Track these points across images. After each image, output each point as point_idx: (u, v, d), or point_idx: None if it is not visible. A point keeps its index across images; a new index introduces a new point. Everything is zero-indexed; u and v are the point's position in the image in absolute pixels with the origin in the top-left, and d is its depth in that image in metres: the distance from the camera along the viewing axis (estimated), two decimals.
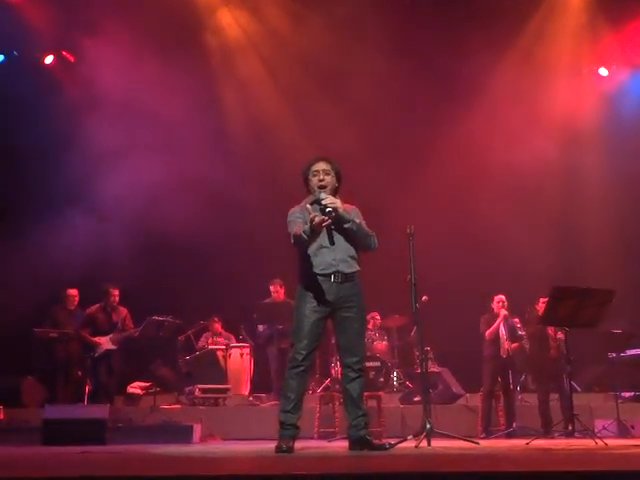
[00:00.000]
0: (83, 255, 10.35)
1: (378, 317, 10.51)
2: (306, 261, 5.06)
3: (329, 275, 5.00)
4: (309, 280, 5.04)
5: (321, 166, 5.13)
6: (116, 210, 10.64)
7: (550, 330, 8.47)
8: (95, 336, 9.15)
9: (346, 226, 4.99)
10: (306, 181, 5.19)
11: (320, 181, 5.09)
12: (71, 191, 10.83)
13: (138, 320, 9.19)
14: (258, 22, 11.49)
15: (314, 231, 4.78)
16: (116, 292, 9.29)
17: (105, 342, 9.12)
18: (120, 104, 10.70)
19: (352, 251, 5.08)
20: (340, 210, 4.86)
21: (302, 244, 4.94)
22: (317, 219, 4.67)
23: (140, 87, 10.60)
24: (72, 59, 11.54)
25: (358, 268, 5.11)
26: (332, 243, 5.01)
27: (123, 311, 9.36)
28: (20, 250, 10.33)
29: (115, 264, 10.45)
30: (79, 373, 9.44)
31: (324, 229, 4.93)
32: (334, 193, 5.07)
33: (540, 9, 11.35)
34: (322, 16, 10.92)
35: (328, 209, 4.76)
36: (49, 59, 11.52)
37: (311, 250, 5.03)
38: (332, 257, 5.01)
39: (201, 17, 11.36)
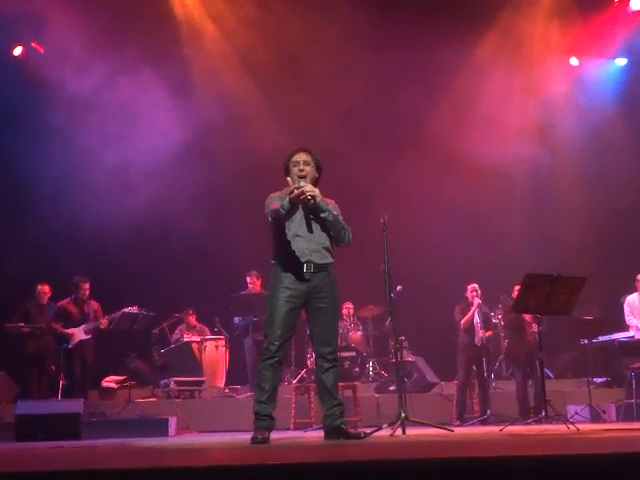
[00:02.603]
0: (56, 248, 10.25)
1: (351, 306, 10.53)
2: (280, 249, 5.09)
3: (302, 264, 5.01)
4: (282, 268, 5.06)
5: (301, 157, 5.18)
6: (89, 203, 10.51)
7: (527, 317, 8.55)
8: (67, 328, 9.04)
9: (322, 215, 5.02)
10: (287, 171, 5.22)
11: (300, 171, 5.12)
12: (44, 185, 10.65)
13: (111, 313, 9.09)
14: (231, 10, 11.36)
15: (292, 204, 4.80)
16: (86, 286, 9.14)
17: (78, 332, 8.98)
18: (89, 97, 10.57)
19: (327, 243, 5.12)
20: (318, 199, 4.89)
21: (279, 220, 4.96)
22: (296, 191, 4.71)
23: (109, 78, 10.50)
24: (42, 50, 11.31)
25: (332, 260, 5.14)
26: (310, 231, 5.05)
27: (94, 304, 9.23)
28: None
29: (88, 257, 10.33)
30: (52, 367, 9.33)
31: (302, 217, 5.00)
32: (314, 183, 5.10)
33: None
34: (294, 3, 10.88)
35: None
36: (18, 51, 11.28)
37: (286, 238, 5.04)
38: (305, 247, 5.04)
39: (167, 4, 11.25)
